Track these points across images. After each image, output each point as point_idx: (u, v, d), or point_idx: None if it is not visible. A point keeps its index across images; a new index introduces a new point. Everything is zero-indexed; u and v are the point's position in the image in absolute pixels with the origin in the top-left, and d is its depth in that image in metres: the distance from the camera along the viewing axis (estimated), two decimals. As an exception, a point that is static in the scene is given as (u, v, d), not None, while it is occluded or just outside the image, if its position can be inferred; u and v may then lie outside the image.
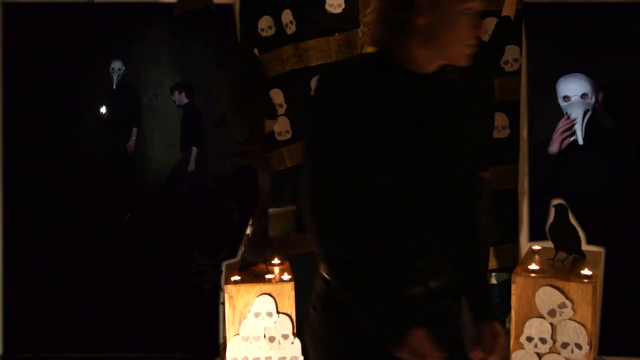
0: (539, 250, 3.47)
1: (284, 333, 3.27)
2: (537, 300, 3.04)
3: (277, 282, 3.28)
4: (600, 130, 3.53)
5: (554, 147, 3.52)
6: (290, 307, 3.28)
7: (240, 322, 3.26)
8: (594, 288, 2.97)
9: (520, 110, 3.64)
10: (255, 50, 3.91)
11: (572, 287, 2.99)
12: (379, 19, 1.58)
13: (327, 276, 1.64)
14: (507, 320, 3.77)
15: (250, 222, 3.66)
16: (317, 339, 1.72)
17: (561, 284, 3.01)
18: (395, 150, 1.53)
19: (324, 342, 1.69)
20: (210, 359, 3.68)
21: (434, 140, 1.59)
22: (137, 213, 4.10)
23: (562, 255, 3.29)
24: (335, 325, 1.66)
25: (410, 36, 1.53)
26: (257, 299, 3.25)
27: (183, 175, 4.07)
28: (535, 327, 3.05)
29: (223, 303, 3.40)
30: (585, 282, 2.98)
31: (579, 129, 3.47)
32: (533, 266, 3.14)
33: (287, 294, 3.27)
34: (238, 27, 3.88)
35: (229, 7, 3.84)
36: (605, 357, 3.33)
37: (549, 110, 3.62)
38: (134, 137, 4.25)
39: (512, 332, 3.12)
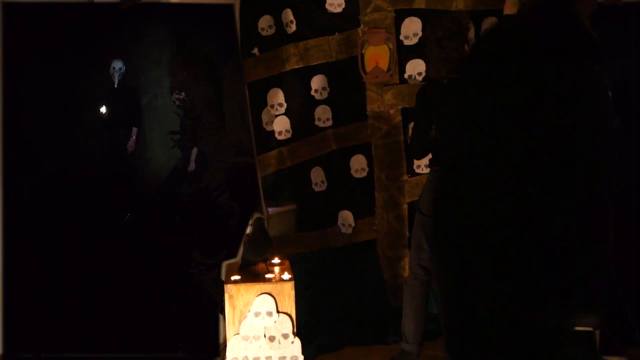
0: (539, 249, 3.47)
1: (284, 332, 3.27)
2: (538, 300, 3.03)
3: (277, 281, 3.28)
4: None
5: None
6: (290, 306, 3.28)
7: (240, 322, 3.26)
8: (595, 287, 2.96)
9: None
10: (256, 50, 3.92)
11: (573, 286, 2.98)
12: None
13: None
14: (507, 319, 3.77)
15: (250, 222, 3.67)
16: None
17: (561, 283, 3.00)
18: None
19: None
20: (210, 358, 3.67)
21: None
22: (137, 213, 4.10)
23: (562, 254, 3.29)
24: None
25: None
26: (257, 298, 3.25)
27: (183, 175, 4.07)
28: (536, 326, 3.04)
29: (221, 312, 3.40)
30: (586, 281, 2.98)
31: None
32: (533, 265, 3.14)
33: (287, 293, 3.27)
34: (238, 26, 3.88)
35: (229, 7, 3.84)
36: (605, 357, 3.32)
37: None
38: (134, 137, 4.26)
39: (513, 332, 3.12)
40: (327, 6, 3.76)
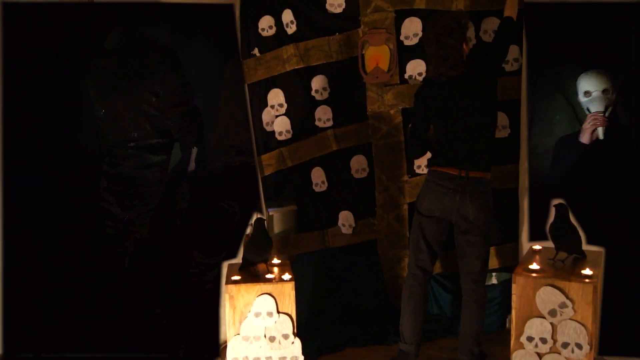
0: (539, 250, 3.48)
1: (285, 333, 3.27)
2: (538, 300, 3.04)
3: (277, 281, 3.29)
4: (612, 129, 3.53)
5: (584, 138, 3.51)
6: (290, 306, 3.28)
7: (240, 322, 3.27)
8: (595, 288, 2.97)
9: (521, 110, 3.64)
10: (256, 50, 3.92)
11: (573, 287, 2.99)
12: None
13: None
14: (507, 320, 3.77)
15: (251, 223, 3.67)
16: None
17: (562, 283, 3.01)
18: None
19: None
20: (210, 359, 3.68)
21: None
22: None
23: (562, 255, 3.29)
24: None
25: None
26: (257, 298, 3.25)
27: (183, 175, 4.07)
28: (536, 327, 3.05)
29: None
30: (586, 282, 2.98)
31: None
32: (534, 266, 3.15)
33: (288, 293, 3.27)
34: (238, 26, 3.88)
35: (229, 6, 3.84)
36: (605, 357, 3.32)
37: (549, 110, 3.62)
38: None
39: (513, 332, 3.13)
40: (327, 7, 3.75)
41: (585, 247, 3.35)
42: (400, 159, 3.77)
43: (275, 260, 3.56)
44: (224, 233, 3.81)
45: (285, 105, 3.92)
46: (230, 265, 3.59)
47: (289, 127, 3.93)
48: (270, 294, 3.26)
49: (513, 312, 3.13)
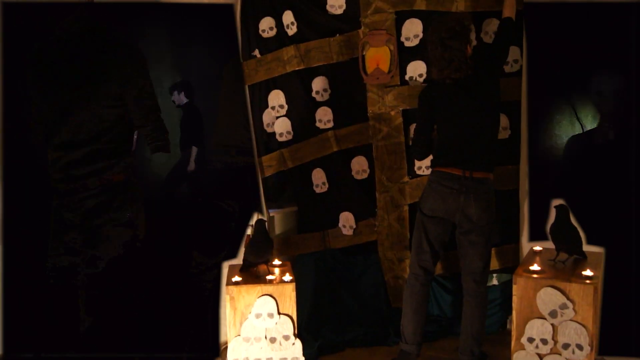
0: (540, 251, 3.48)
1: (285, 334, 3.27)
2: (538, 301, 3.05)
3: (278, 283, 3.29)
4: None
5: (597, 139, 3.53)
6: (291, 308, 3.28)
7: (241, 323, 3.27)
8: (595, 289, 2.97)
9: (521, 112, 3.64)
10: (256, 51, 3.91)
11: (573, 288, 3.00)
12: None
13: None
14: (508, 321, 3.78)
15: (251, 224, 3.67)
16: None
17: (562, 284, 3.02)
18: None
19: None
20: (210, 359, 3.68)
21: None
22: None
23: (563, 255, 3.30)
24: None
25: None
26: (258, 299, 3.25)
27: (183, 175, 4.07)
28: (537, 328, 3.05)
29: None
30: (587, 283, 2.99)
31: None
32: (534, 267, 3.15)
33: (288, 294, 3.27)
34: (239, 27, 3.88)
35: (229, 7, 3.84)
36: (605, 357, 3.33)
37: (549, 110, 3.63)
38: (134, 137, 4.24)
39: (514, 333, 3.13)
40: (328, 8, 3.75)
41: (585, 247, 3.35)
42: (400, 160, 3.77)
43: (276, 262, 3.55)
44: (224, 233, 3.81)
45: (286, 107, 3.92)
46: (231, 266, 3.60)
47: (289, 128, 3.93)
48: (271, 295, 3.26)
49: (514, 313, 3.14)
